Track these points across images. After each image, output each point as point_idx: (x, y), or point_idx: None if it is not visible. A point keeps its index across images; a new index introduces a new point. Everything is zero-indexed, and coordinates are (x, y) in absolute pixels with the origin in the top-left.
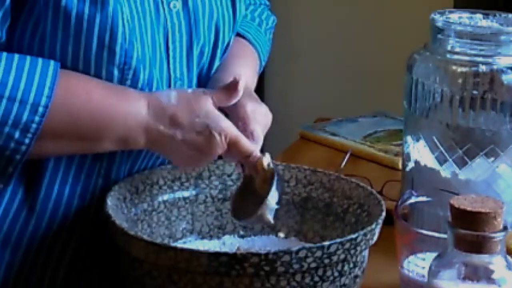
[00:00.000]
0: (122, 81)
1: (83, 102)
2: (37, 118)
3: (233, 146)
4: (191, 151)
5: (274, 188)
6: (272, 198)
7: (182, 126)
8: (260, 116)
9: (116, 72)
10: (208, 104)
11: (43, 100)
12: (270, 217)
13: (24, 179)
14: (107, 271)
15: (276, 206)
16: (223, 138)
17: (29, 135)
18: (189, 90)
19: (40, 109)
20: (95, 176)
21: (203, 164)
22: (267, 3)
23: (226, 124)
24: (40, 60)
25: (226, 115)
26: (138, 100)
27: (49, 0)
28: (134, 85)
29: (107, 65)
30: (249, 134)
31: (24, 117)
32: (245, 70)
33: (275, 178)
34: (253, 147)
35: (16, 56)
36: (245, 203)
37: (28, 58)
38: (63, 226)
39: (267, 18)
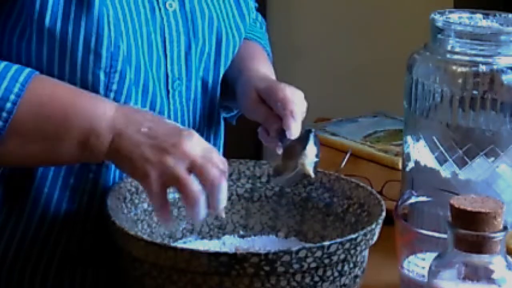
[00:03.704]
0: (108, 85)
1: (47, 97)
2: (0, 123)
3: (199, 171)
4: (160, 141)
5: (311, 142)
6: (311, 151)
7: (150, 120)
8: (298, 100)
9: (102, 75)
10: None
11: (8, 106)
12: (310, 168)
13: (13, 184)
14: (102, 268)
15: (316, 159)
16: (195, 140)
17: None
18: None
19: (4, 114)
20: (84, 179)
21: (179, 159)
22: (256, 4)
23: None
24: (15, 66)
25: (264, 102)
26: (106, 101)
27: (35, 5)
28: (120, 88)
29: (93, 69)
30: (288, 113)
31: None
32: (267, 69)
33: (312, 134)
34: (220, 176)
35: None
36: (284, 165)
37: (3, 63)
38: (52, 229)
39: (262, 20)
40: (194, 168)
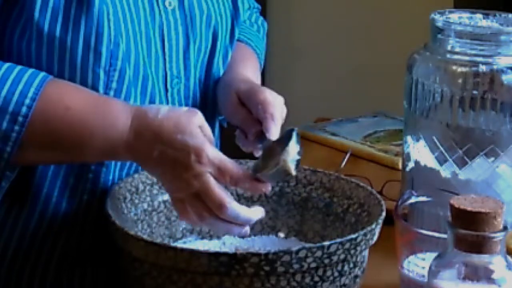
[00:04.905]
0: (108, 83)
1: (61, 117)
2: (16, 127)
3: (218, 172)
4: (169, 169)
5: (293, 140)
6: (293, 149)
7: (161, 140)
8: (278, 104)
9: (102, 74)
10: (195, 124)
11: (23, 110)
12: (292, 165)
13: (12, 184)
14: (101, 268)
15: (298, 157)
16: (203, 159)
17: (10, 143)
18: (184, 108)
19: (20, 119)
20: (84, 179)
21: (183, 188)
22: (259, 7)
23: (207, 147)
24: (29, 70)
25: (243, 105)
26: (121, 114)
27: (35, 5)
28: (120, 86)
29: (93, 67)
30: (268, 116)
31: (4, 126)
32: (251, 73)
33: (294, 132)
34: (242, 173)
35: (6, 65)
36: (264, 164)
37: (18, 67)
38: (51, 228)
39: (263, 23)
40: None
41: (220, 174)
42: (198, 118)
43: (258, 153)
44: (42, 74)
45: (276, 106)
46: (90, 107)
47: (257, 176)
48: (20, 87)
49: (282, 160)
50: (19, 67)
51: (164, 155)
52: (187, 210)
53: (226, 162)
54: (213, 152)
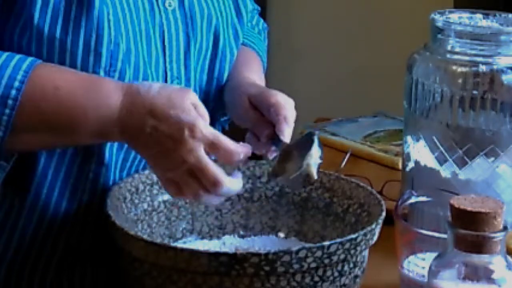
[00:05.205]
0: None
1: (50, 97)
2: (7, 111)
3: (212, 147)
4: (162, 145)
5: (316, 144)
6: (316, 152)
7: (154, 116)
8: (290, 106)
9: (102, 75)
10: (188, 101)
11: (13, 93)
12: (314, 169)
13: (13, 183)
14: (101, 268)
15: (319, 161)
16: (196, 133)
17: (2, 127)
18: (176, 86)
19: (10, 102)
20: (83, 179)
21: (177, 165)
22: (259, 8)
23: (201, 122)
24: (18, 55)
25: (255, 108)
26: (113, 91)
27: (35, 7)
28: None
29: (93, 68)
30: (281, 118)
31: None
32: (257, 76)
33: (316, 136)
34: (235, 146)
35: None
36: (282, 168)
37: (6, 53)
38: (51, 228)
39: (263, 26)
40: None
41: (214, 148)
42: (191, 95)
43: (271, 155)
44: (31, 58)
45: (288, 109)
46: (80, 86)
47: (277, 180)
48: (9, 70)
49: (306, 164)
50: (7, 53)
51: (157, 131)
52: (180, 189)
53: (219, 136)
54: (206, 127)
